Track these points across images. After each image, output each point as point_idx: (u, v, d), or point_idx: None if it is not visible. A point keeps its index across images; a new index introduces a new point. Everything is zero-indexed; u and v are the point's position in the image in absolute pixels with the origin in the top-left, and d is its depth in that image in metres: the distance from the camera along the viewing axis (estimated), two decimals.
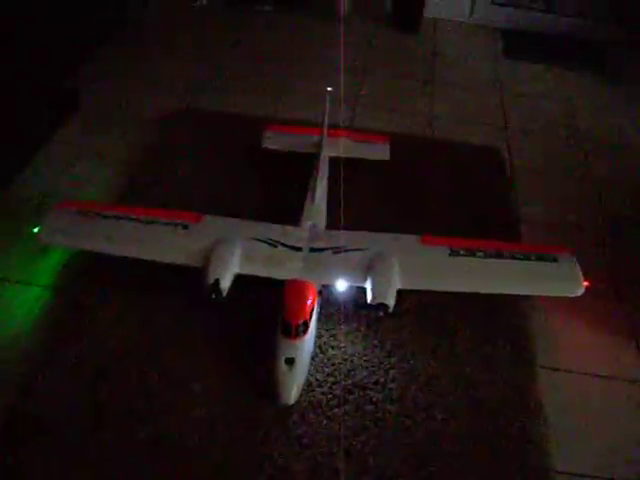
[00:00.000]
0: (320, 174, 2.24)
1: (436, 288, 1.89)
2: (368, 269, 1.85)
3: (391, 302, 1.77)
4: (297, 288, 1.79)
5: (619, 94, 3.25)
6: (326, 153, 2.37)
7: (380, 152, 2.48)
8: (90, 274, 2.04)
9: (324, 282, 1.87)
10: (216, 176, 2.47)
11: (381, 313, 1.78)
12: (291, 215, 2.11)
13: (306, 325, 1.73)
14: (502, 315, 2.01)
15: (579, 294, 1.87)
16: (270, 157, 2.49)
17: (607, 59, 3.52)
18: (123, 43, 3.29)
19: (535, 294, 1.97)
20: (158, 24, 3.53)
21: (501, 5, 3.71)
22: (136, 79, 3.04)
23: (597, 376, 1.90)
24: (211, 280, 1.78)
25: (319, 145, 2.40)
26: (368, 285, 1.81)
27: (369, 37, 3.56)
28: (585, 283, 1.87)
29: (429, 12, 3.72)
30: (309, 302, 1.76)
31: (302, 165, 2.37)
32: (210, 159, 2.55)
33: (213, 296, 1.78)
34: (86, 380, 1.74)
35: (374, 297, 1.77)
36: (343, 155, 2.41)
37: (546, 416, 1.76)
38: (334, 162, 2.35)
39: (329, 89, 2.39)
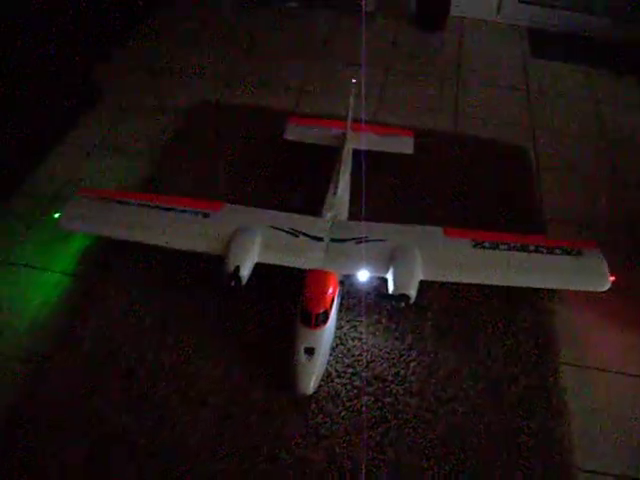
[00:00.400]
0: (343, 166, 2.22)
1: (459, 280, 1.86)
2: (390, 260, 1.82)
3: (413, 293, 1.75)
4: (318, 277, 1.78)
5: None
6: (349, 145, 2.35)
7: (404, 146, 2.46)
8: (109, 263, 2.04)
9: (345, 272, 1.85)
10: (239, 168, 2.46)
11: (403, 304, 1.75)
12: (313, 206, 2.10)
13: (326, 315, 1.72)
14: (525, 311, 1.97)
15: (605, 289, 1.83)
16: (295, 149, 2.48)
17: (636, 59, 3.45)
18: (144, 37, 3.32)
19: (560, 288, 1.93)
20: (181, 20, 3.55)
21: (529, 3, 3.66)
22: (160, 73, 3.05)
23: (622, 374, 1.86)
24: (231, 267, 1.77)
25: (342, 138, 2.38)
26: (390, 276, 1.79)
27: (393, 36, 3.53)
28: (611, 278, 1.83)
29: (455, 10, 3.68)
30: (330, 292, 1.74)
31: (326, 157, 2.35)
32: (232, 152, 2.55)
33: (232, 284, 1.77)
34: (98, 365, 1.75)
35: (396, 288, 1.75)
36: (367, 148, 2.39)
37: (569, 413, 1.72)
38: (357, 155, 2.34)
39: (354, 81, 2.37)
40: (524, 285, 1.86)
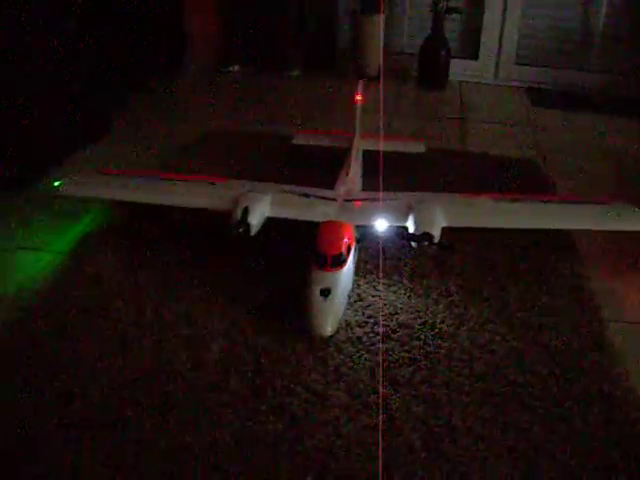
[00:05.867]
0: (354, 158, 2.16)
1: (485, 225, 1.73)
2: (409, 209, 1.71)
3: (436, 233, 1.62)
4: (332, 225, 1.66)
5: None
6: (359, 146, 2.30)
7: (415, 147, 2.42)
8: (110, 244, 1.92)
9: (361, 222, 1.72)
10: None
11: (426, 243, 1.61)
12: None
13: (342, 258, 1.57)
14: (557, 273, 1.81)
15: None
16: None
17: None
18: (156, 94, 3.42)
19: (594, 228, 1.79)
20: (195, 83, 3.69)
21: (525, 65, 3.81)
22: (175, 114, 3.13)
23: None
24: (239, 212, 1.65)
25: (351, 140, 2.34)
26: (410, 221, 1.67)
27: (395, 92, 3.63)
28: None
29: (454, 75, 3.81)
30: (345, 239, 1.61)
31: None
32: (240, 167, 2.49)
33: (240, 230, 1.64)
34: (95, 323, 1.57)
35: (417, 227, 1.62)
36: (377, 149, 2.33)
37: (625, 356, 1.51)
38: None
39: (360, 83, 2.38)
40: (557, 227, 1.73)
